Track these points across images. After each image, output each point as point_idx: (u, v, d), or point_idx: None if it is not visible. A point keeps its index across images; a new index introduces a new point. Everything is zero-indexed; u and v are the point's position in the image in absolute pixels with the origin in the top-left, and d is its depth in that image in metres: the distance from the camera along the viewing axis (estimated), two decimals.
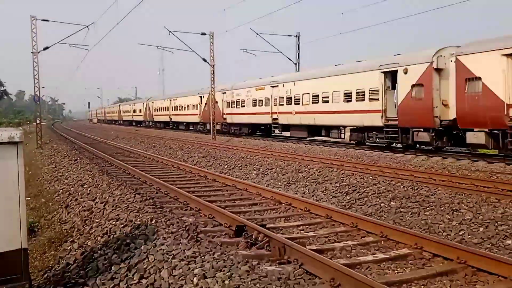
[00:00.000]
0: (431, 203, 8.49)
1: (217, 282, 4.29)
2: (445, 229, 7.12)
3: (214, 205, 7.92)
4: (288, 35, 36.04)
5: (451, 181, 10.43)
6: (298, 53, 35.54)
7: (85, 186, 10.53)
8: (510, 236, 6.50)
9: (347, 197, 9.57)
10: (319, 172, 12.39)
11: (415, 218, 7.80)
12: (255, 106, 29.63)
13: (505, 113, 13.58)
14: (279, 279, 4.53)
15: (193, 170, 13.44)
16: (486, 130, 14.37)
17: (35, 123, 29.98)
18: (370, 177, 11.09)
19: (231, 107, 33.23)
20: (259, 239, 5.91)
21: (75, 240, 6.73)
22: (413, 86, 16.93)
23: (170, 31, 28.78)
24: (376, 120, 18.91)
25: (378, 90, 18.79)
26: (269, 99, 27.82)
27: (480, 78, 14.28)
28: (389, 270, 5.27)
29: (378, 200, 9.08)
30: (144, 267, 4.80)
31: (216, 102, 32.29)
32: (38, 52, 26.19)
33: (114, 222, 6.88)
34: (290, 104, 25.32)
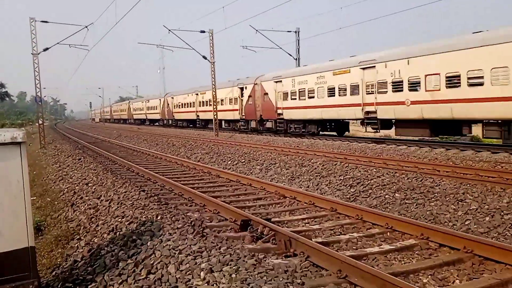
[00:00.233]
0: (436, 194, 8.48)
1: (224, 275, 4.29)
2: (450, 219, 7.12)
3: (219, 200, 7.93)
4: (288, 31, 36.03)
5: (455, 172, 10.40)
6: (298, 49, 35.45)
7: (89, 185, 10.56)
8: None
9: (352, 190, 9.57)
10: (323, 165, 12.38)
11: (420, 209, 7.79)
12: (333, 96, 22.36)
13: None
14: (285, 272, 4.53)
15: (196, 166, 13.45)
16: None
17: (37, 124, 30.09)
18: (374, 170, 11.07)
19: (291, 99, 25.98)
20: (264, 233, 5.91)
21: (82, 237, 6.76)
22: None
23: (169, 30, 28.71)
24: None
25: None
26: (358, 85, 20.65)
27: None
28: (395, 261, 5.27)
29: (382, 192, 9.07)
30: (151, 262, 4.81)
31: (266, 93, 27.63)
32: (38, 54, 26.26)
33: (120, 219, 6.91)
34: (400, 90, 18.36)
